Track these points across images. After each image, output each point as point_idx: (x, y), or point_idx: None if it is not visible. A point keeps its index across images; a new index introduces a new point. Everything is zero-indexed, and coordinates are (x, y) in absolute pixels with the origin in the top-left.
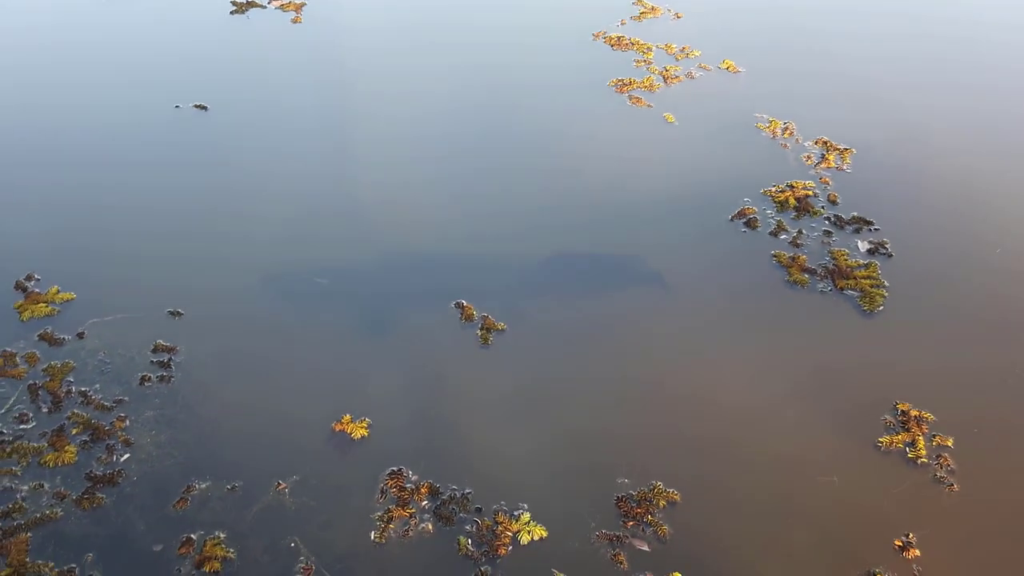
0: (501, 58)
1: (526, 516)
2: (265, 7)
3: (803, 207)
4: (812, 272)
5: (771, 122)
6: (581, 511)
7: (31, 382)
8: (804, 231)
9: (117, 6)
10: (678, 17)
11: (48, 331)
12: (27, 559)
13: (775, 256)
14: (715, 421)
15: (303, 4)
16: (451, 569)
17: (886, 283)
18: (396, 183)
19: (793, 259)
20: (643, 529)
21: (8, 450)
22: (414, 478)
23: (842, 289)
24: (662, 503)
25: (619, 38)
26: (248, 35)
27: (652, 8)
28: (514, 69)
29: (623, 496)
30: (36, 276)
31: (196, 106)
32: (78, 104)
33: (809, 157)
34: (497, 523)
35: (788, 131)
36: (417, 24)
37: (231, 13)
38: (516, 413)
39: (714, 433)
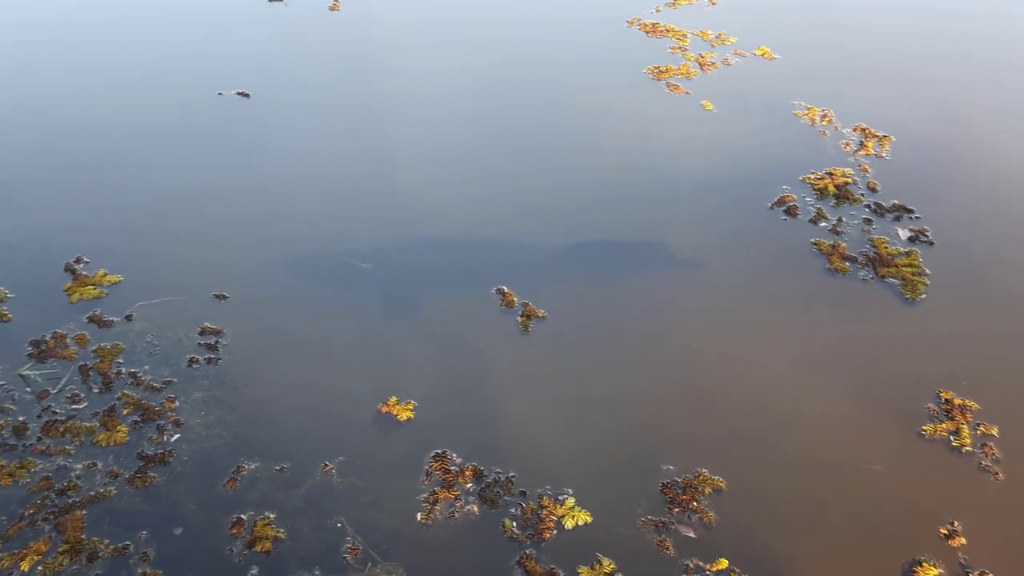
0: (536, 46)
1: (570, 501)
2: None
3: (842, 194)
4: (853, 260)
5: (809, 109)
6: (626, 497)
7: (82, 363)
8: (844, 219)
9: None
10: (712, 3)
11: (97, 313)
12: (83, 536)
13: (815, 244)
14: (758, 410)
15: None
16: (496, 551)
17: (927, 271)
18: (433, 171)
19: (833, 247)
20: (689, 516)
21: (62, 429)
22: (458, 461)
23: (883, 277)
24: (707, 490)
25: (654, 25)
26: (287, 23)
27: None
28: (549, 58)
29: (668, 483)
30: (85, 259)
31: (239, 93)
32: (124, 90)
33: (848, 144)
34: (542, 507)
35: (827, 118)
36: (451, 12)
37: (269, 1)
38: (558, 399)
39: (757, 422)
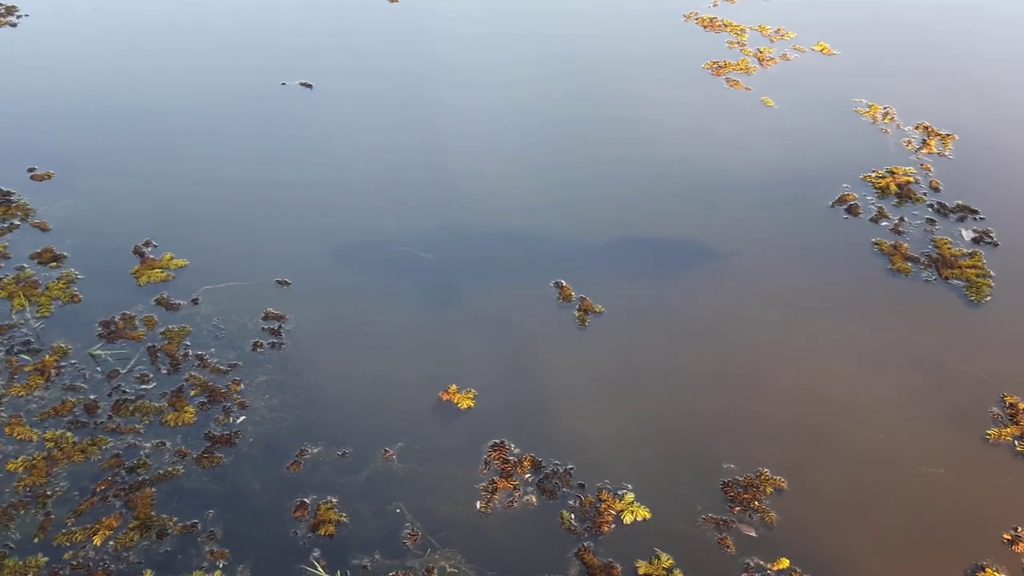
0: (593, 39)
1: (630, 496)
2: None
3: (904, 194)
4: (915, 260)
5: (870, 106)
6: (686, 494)
7: (150, 344)
8: (906, 218)
9: None
10: None
11: (164, 296)
12: (152, 512)
13: (876, 244)
14: (818, 410)
15: None
16: (554, 542)
17: (992, 273)
18: (491, 162)
19: (895, 247)
20: (750, 515)
21: (131, 408)
22: (516, 451)
23: (947, 278)
24: (769, 489)
25: (711, 19)
26: (347, 13)
27: None
28: (607, 51)
29: (729, 481)
30: (154, 243)
31: (302, 84)
32: (190, 79)
33: (910, 142)
34: (600, 500)
35: (888, 116)
36: (506, 6)
37: None
38: (617, 394)
39: (818, 422)
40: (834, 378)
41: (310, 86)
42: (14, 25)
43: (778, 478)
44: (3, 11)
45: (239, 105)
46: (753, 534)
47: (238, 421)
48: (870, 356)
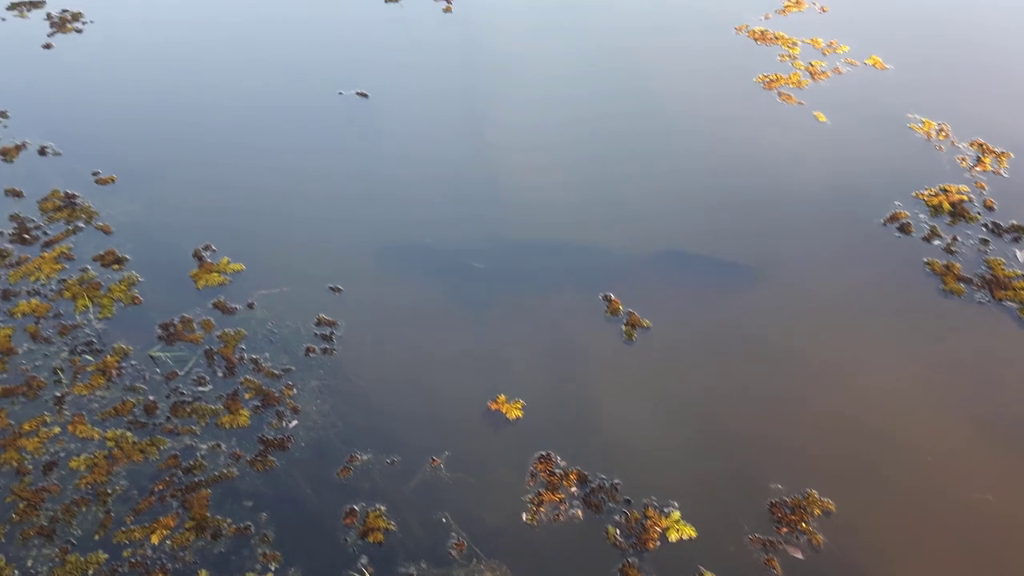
0: (645, 53)
1: (676, 514)
2: None
3: (958, 212)
4: (968, 281)
5: (924, 122)
6: (732, 513)
7: (207, 347)
8: (959, 238)
9: None
10: (823, 10)
11: (221, 300)
12: (208, 513)
13: (928, 263)
14: (867, 432)
15: None
16: (599, 556)
17: None
18: (541, 171)
19: (947, 267)
20: (797, 536)
21: (188, 410)
22: (563, 464)
23: (1000, 300)
24: (816, 511)
25: (763, 32)
26: (403, 25)
27: (797, 1)
28: (658, 65)
29: (776, 501)
30: (213, 247)
31: (358, 93)
32: (251, 90)
33: (964, 159)
34: (646, 517)
35: (943, 132)
36: (559, 18)
37: (385, 2)
38: (664, 410)
39: (868, 442)
40: (884, 399)
41: (366, 96)
42: (80, 31)
43: (826, 500)
44: (69, 17)
45: (298, 114)
46: (800, 556)
47: (291, 425)
48: (921, 378)
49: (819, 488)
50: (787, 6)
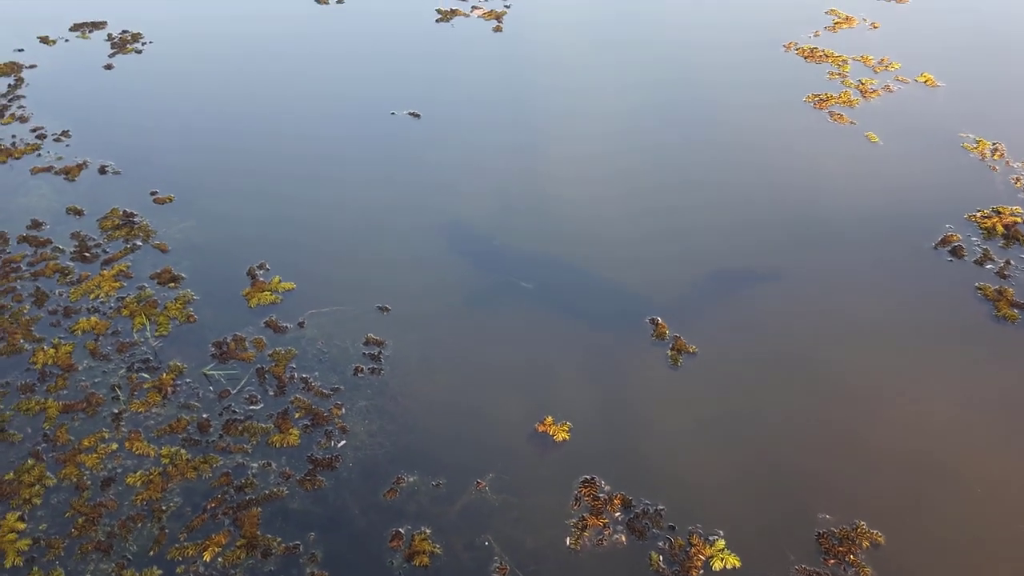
0: (693, 71)
1: (721, 543)
2: (468, 15)
3: (1012, 235)
4: (1021, 307)
5: (978, 142)
6: (778, 544)
7: (259, 366)
8: (1012, 262)
9: (329, 17)
10: (874, 27)
11: (273, 319)
12: (258, 532)
13: (979, 288)
14: (920, 461)
15: (503, 13)
16: None
17: None
18: (590, 195)
19: (1000, 292)
20: (845, 568)
21: (240, 428)
22: (607, 488)
23: None
24: (865, 543)
25: (812, 49)
26: (454, 43)
27: (847, 18)
28: (707, 83)
29: (824, 532)
30: (266, 266)
31: (410, 114)
32: (305, 109)
33: (1019, 179)
34: (691, 544)
35: (997, 152)
36: (607, 36)
37: (436, 22)
38: (710, 437)
39: (919, 473)
40: (933, 427)
41: (418, 116)
42: (139, 52)
43: (875, 532)
44: (129, 38)
45: (351, 135)
46: None
47: (339, 445)
48: (973, 406)
49: (868, 519)
50: (837, 23)
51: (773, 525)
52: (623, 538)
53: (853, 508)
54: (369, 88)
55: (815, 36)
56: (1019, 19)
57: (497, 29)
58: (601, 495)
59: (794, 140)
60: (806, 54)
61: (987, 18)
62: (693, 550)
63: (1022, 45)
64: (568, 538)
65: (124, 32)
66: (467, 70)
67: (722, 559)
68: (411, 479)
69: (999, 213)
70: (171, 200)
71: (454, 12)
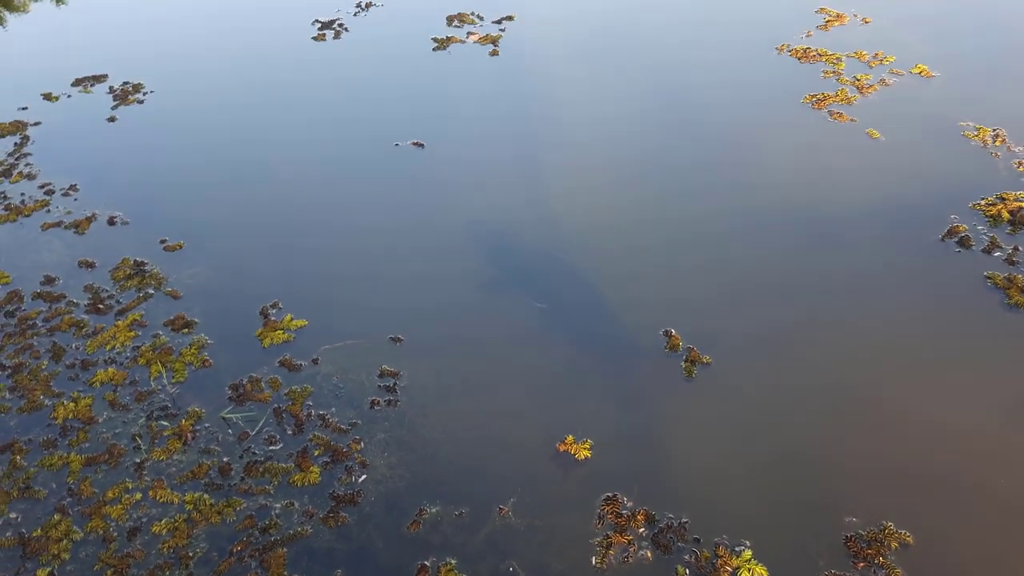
0: (687, 79)
1: (747, 553)
2: (464, 41)
3: (1018, 220)
4: None
5: (979, 129)
6: (806, 548)
7: (276, 406)
8: (1021, 247)
9: (326, 55)
10: (866, 22)
11: (287, 357)
12: (285, 572)
13: (988, 277)
14: (942, 460)
15: (499, 36)
16: None
17: None
18: (595, 209)
19: (1009, 279)
20: (874, 571)
21: (261, 470)
22: (629, 504)
23: None
24: (894, 544)
25: (805, 50)
26: (452, 71)
27: (838, 15)
28: (703, 90)
29: (852, 535)
30: (279, 304)
31: (414, 144)
32: (308, 143)
33: (1021, 163)
34: (717, 556)
35: (999, 138)
36: (600, 49)
37: (433, 50)
38: (729, 447)
39: (942, 472)
40: (954, 423)
41: (422, 145)
42: (141, 102)
43: (903, 532)
44: (131, 89)
45: (355, 170)
46: None
47: (360, 480)
48: (992, 399)
49: (896, 520)
50: (828, 21)
51: (799, 532)
52: (649, 554)
53: (879, 510)
54: (372, 122)
55: (807, 36)
56: (1010, 6)
57: (494, 53)
58: (624, 511)
59: (796, 142)
60: (799, 55)
61: (978, 6)
62: (720, 561)
63: (1014, 31)
64: (593, 557)
65: (125, 84)
66: (468, 96)
67: (749, 570)
68: (434, 510)
69: (1003, 199)
70: (181, 247)
71: (450, 39)
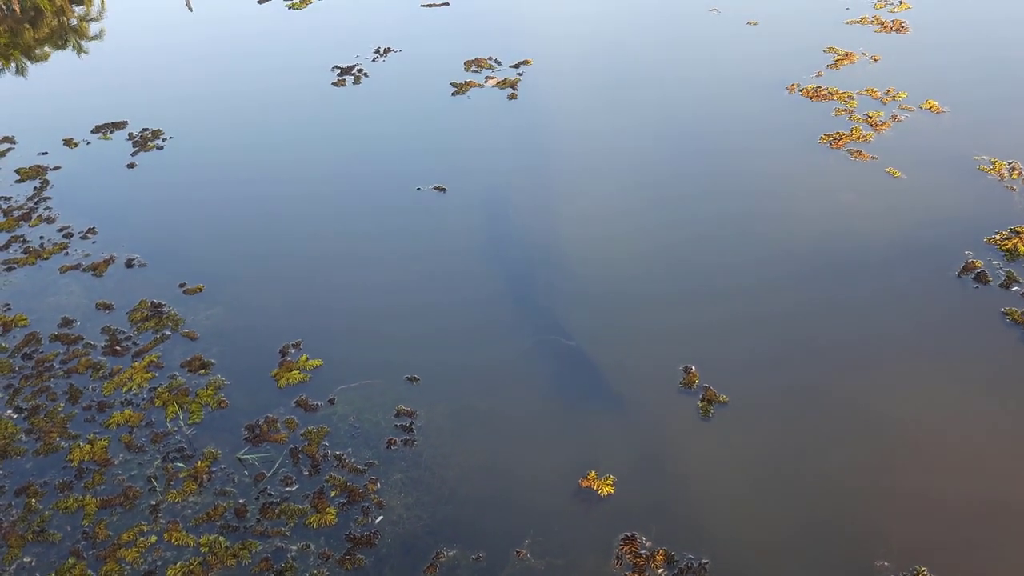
0: (706, 128)
1: None
2: (483, 85)
3: None
4: None
5: (994, 163)
6: None
7: (292, 446)
8: None
9: (347, 99)
10: (875, 60)
11: (303, 398)
12: None
13: (1007, 313)
14: (972, 500)
15: (517, 80)
16: None
17: None
18: (614, 247)
19: None
20: None
21: (277, 511)
22: (648, 544)
23: None
24: None
25: (816, 89)
26: (472, 115)
27: (847, 54)
28: (720, 137)
29: None
30: (293, 346)
31: (435, 188)
32: (332, 194)
33: None
34: None
35: (1015, 171)
36: (617, 95)
37: (452, 95)
38: (752, 487)
39: (973, 512)
40: (984, 462)
41: (444, 190)
42: (160, 148)
43: None
44: (150, 135)
45: (377, 214)
46: None
47: (376, 521)
48: (1018, 438)
49: (929, 565)
50: (838, 60)
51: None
52: None
53: (912, 554)
54: (393, 167)
55: (818, 76)
56: (1012, 39)
57: (512, 97)
58: (643, 551)
59: (818, 183)
60: (810, 94)
61: (985, 41)
62: None
63: (1019, 63)
64: None
65: (144, 130)
66: (488, 139)
67: None
68: (451, 553)
69: (1018, 233)
70: (201, 290)
71: (468, 84)
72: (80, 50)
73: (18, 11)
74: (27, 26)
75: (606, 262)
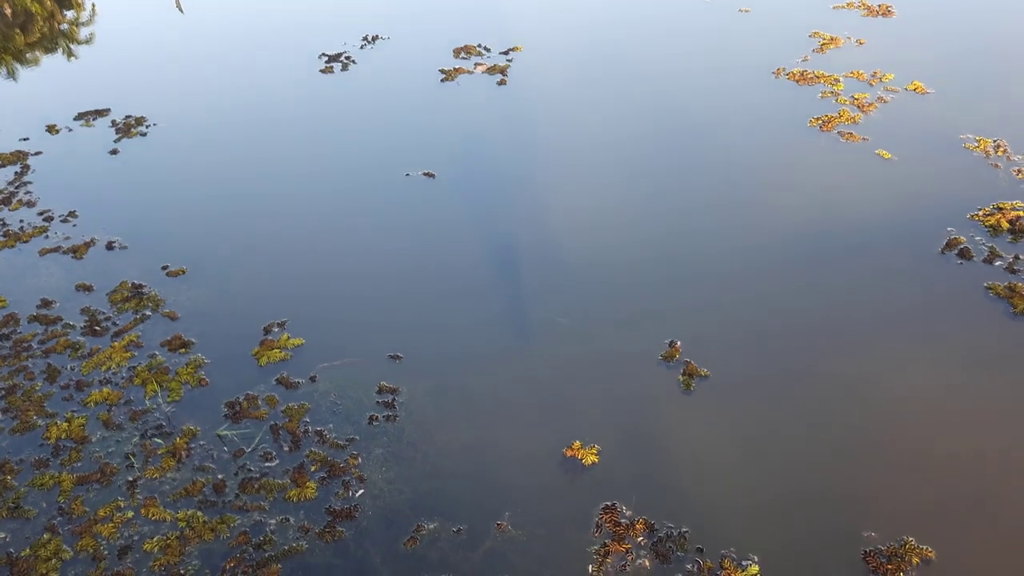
0: (697, 112)
1: (754, 568)
2: (472, 72)
3: (1017, 229)
4: None
5: (979, 141)
6: (821, 567)
7: (272, 423)
8: (1021, 256)
9: (334, 85)
10: (860, 44)
11: (284, 375)
12: None
13: (989, 288)
14: (962, 472)
15: (506, 66)
16: None
17: None
18: (602, 235)
19: (1011, 288)
20: None
21: (256, 486)
22: (628, 513)
23: None
24: (915, 560)
25: (802, 73)
26: (461, 101)
27: (832, 38)
28: (711, 121)
29: (871, 551)
30: (278, 324)
31: (425, 174)
32: (319, 178)
33: (1020, 171)
34: (722, 568)
35: (1000, 148)
36: (607, 82)
37: (441, 81)
38: (738, 459)
39: (962, 484)
40: (969, 432)
41: (433, 175)
42: (144, 135)
43: (925, 547)
44: (133, 122)
45: (365, 197)
46: None
47: (357, 494)
48: (1006, 409)
49: (917, 534)
50: (823, 44)
51: (812, 547)
52: (647, 563)
53: (898, 523)
54: (382, 152)
55: (804, 60)
56: (995, 23)
57: (502, 83)
58: (623, 520)
59: (812, 164)
60: (797, 77)
61: (969, 24)
62: (723, 573)
63: (1001, 44)
64: (590, 566)
65: (128, 117)
66: (477, 125)
67: None
68: (431, 526)
69: (1000, 209)
70: (184, 272)
71: (457, 71)
72: (70, 55)
73: (9, 16)
74: (18, 32)
75: (594, 245)
